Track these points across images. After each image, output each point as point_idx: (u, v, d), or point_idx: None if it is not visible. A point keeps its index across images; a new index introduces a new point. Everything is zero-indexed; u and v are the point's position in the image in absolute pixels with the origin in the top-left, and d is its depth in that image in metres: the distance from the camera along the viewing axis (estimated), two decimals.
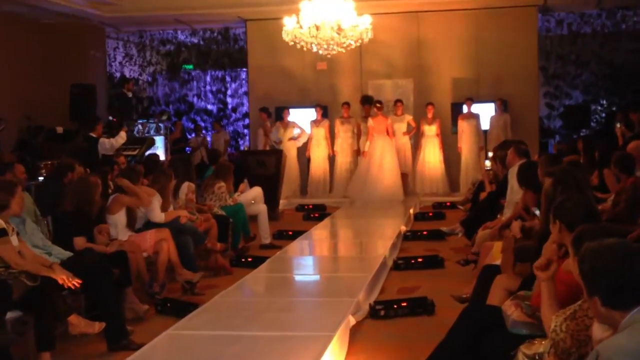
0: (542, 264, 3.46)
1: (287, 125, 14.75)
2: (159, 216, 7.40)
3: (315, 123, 14.82)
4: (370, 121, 13.91)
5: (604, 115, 18.78)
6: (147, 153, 12.42)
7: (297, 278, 7.78)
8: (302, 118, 15.12)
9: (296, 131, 14.80)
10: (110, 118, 14.88)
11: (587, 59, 19.18)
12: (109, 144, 10.93)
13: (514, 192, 6.92)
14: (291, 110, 14.97)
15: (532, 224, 5.47)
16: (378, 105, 13.94)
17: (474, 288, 5.22)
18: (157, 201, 7.42)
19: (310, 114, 15.14)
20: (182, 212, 7.73)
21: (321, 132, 14.76)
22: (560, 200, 3.86)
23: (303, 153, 15.00)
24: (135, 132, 13.74)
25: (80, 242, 6.19)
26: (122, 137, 11.15)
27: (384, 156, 13.81)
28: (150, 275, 6.83)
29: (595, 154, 8.90)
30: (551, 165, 5.84)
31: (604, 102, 19.36)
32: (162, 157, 13.07)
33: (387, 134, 13.86)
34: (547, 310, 3.34)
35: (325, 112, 15.08)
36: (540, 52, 16.11)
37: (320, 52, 11.83)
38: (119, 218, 6.95)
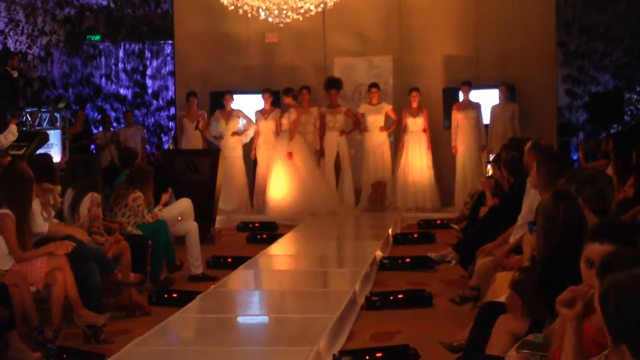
0: (568, 298, 3.50)
1: (230, 114, 14.74)
2: (40, 225, 7.30)
3: (262, 114, 14.81)
4: (294, 113, 14.09)
5: None
6: (38, 152, 12.30)
7: (239, 320, 7.75)
8: (246, 107, 15.10)
9: (242, 122, 14.79)
10: None
11: (619, 33, 19.47)
12: None
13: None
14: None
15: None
16: (295, 93, 14.32)
17: (470, 332, 5.26)
18: (36, 205, 7.32)
19: (257, 101, 15.14)
20: (77, 230, 7.63)
21: (270, 126, 14.78)
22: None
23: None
24: (22, 125, 13.61)
25: None
26: (12, 132, 11.04)
27: (301, 157, 14.20)
28: (41, 316, 6.75)
29: (631, 156, 9.01)
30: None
31: None
32: (57, 158, 12.96)
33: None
34: None
35: (276, 100, 15.08)
36: (558, 22, 16.32)
37: (270, 19, 11.87)
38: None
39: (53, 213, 7.69)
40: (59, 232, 7.48)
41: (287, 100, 14.38)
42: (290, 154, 14.22)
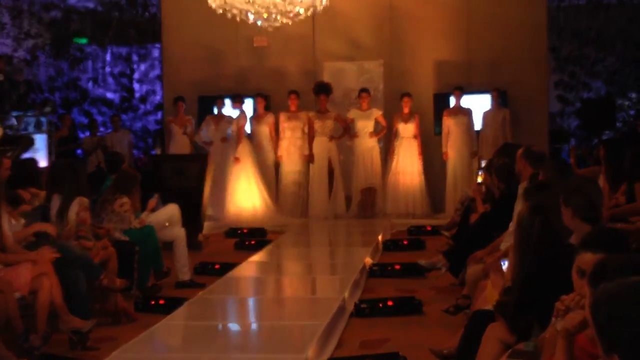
0: (561, 309, 3.51)
1: (220, 119, 14.74)
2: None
3: (256, 119, 14.82)
4: (242, 119, 14.46)
5: (632, 112, 19.13)
6: (23, 157, 12.27)
7: (226, 327, 7.76)
8: (233, 111, 15.09)
9: (232, 128, 14.80)
10: None
11: (611, 38, 19.53)
12: None
13: None
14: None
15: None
16: (242, 99, 14.58)
17: (460, 340, 5.28)
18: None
19: (245, 106, 15.17)
20: (46, 225, 7.52)
21: (264, 131, 14.77)
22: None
23: None
24: (6, 129, 13.56)
25: None
26: None
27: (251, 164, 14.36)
28: (26, 322, 6.73)
29: (623, 163, 9.02)
30: (560, 176, 5.95)
31: (633, 95, 19.73)
32: (43, 163, 12.93)
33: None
34: None
35: (269, 104, 15.08)
36: (550, 27, 16.37)
37: (259, 23, 11.85)
38: None
39: (22, 221, 7.62)
40: (26, 231, 7.40)
41: (236, 106, 14.60)
42: (237, 159, 14.37)
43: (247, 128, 14.87)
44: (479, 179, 11.29)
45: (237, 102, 14.60)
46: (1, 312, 6.28)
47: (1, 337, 6.19)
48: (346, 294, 8.29)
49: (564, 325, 3.44)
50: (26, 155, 12.51)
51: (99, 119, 20.11)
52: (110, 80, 21.38)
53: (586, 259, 3.66)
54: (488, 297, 5.76)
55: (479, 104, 15.04)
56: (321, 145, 14.58)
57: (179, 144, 14.69)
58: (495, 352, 4.47)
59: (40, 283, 6.81)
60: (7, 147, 12.39)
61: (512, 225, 7.27)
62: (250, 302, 8.86)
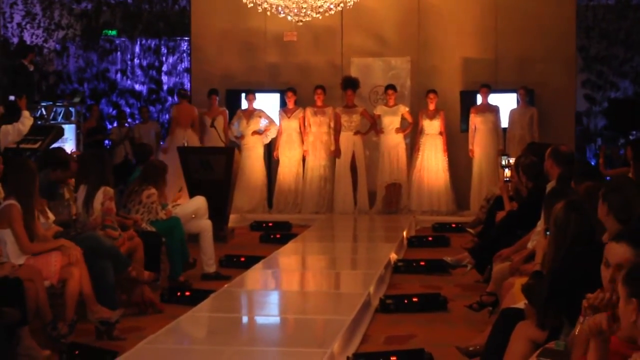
0: (586, 306, 3.48)
1: (251, 114, 14.74)
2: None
3: (286, 113, 14.78)
4: (175, 110, 15.11)
5: None
6: (52, 147, 12.29)
7: (251, 320, 7.76)
8: (260, 105, 15.06)
9: (263, 122, 14.78)
10: (12, 98, 14.70)
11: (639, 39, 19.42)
12: (14, 130, 10.71)
13: None
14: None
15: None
16: (183, 92, 15.23)
17: (488, 338, 5.24)
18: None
19: (273, 100, 15.14)
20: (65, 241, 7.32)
21: (294, 125, 14.74)
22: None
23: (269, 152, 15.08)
24: (37, 119, 13.59)
25: None
26: (27, 116, 10.91)
27: None
28: (54, 311, 6.75)
29: None
30: (586, 179, 5.92)
31: None
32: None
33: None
34: None
35: (299, 98, 15.03)
36: (578, 27, 16.25)
37: (290, 18, 11.83)
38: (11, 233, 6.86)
39: (52, 218, 7.62)
40: (47, 237, 7.31)
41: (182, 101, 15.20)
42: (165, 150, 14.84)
43: (277, 121, 14.84)
44: (507, 177, 11.22)
45: (182, 96, 15.19)
46: (31, 300, 6.30)
47: (30, 325, 6.21)
48: (371, 289, 8.28)
49: (589, 326, 3.41)
50: (55, 145, 12.53)
51: (127, 110, 20.17)
52: (138, 72, 21.44)
53: (610, 249, 3.67)
54: (516, 295, 5.71)
55: (505, 102, 14.93)
56: (347, 140, 14.54)
57: (211, 137, 14.70)
58: (524, 351, 4.44)
59: (69, 272, 6.83)
60: (37, 137, 12.42)
61: (539, 224, 7.22)
62: (275, 296, 8.85)
